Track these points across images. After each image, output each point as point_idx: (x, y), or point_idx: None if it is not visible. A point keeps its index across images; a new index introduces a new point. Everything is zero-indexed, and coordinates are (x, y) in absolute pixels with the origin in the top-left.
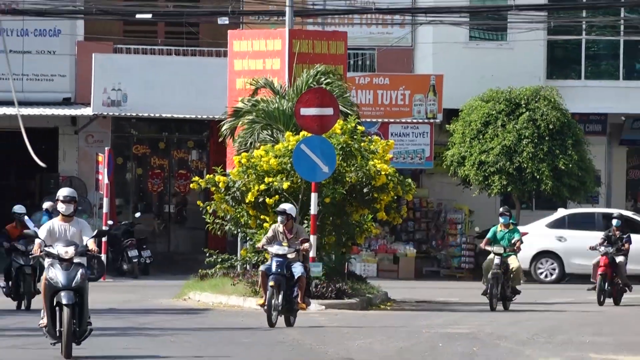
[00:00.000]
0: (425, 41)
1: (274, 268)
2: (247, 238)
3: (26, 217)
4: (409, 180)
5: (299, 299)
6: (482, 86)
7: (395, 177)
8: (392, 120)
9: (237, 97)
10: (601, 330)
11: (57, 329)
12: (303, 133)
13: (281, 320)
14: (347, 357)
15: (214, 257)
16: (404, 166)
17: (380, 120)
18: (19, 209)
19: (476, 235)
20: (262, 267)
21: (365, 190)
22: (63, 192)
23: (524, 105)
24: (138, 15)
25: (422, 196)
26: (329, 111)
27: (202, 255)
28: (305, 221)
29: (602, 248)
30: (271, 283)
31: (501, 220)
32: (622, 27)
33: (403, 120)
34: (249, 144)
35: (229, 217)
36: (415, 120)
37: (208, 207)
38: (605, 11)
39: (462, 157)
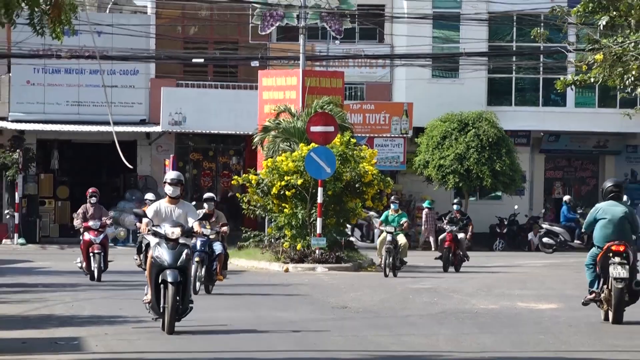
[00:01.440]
0: (400, 78)
1: (198, 246)
2: (272, 220)
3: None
4: (388, 178)
5: (217, 271)
6: (441, 111)
7: (378, 176)
8: (376, 135)
9: (265, 119)
10: (525, 286)
11: (161, 306)
12: (312, 144)
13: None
14: (343, 305)
15: (248, 233)
16: (385, 168)
17: (367, 135)
18: (150, 196)
19: (437, 218)
20: None
21: (357, 185)
22: (170, 175)
23: (471, 125)
24: (194, 60)
25: (398, 190)
26: (331, 129)
27: (240, 232)
28: (314, 207)
29: (447, 227)
30: (196, 259)
31: (392, 206)
32: (541, 69)
33: (384, 135)
34: (273, 152)
35: (259, 204)
36: (392, 135)
37: (244, 198)
38: (529, 57)
39: (426, 162)
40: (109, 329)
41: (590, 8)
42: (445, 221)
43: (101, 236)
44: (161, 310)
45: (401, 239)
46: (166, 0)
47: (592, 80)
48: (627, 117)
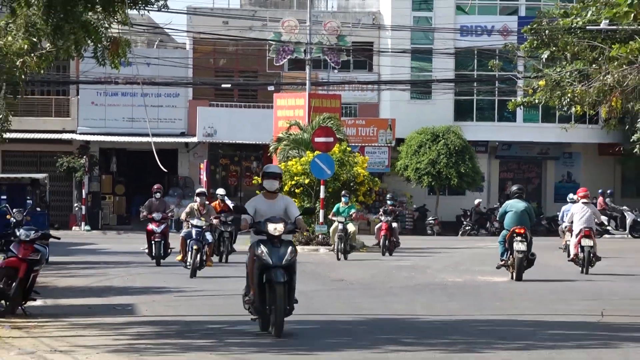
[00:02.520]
0: (385, 99)
1: (194, 235)
2: None
3: (226, 197)
4: (376, 178)
5: (207, 258)
6: (418, 125)
7: (368, 177)
8: (366, 144)
9: (279, 131)
10: (484, 263)
11: (267, 307)
12: (316, 152)
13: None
14: (340, 278)
15: None
16: (373, 170)
17: (359, 144)
18: (221, 191)
19: (414, 209)
20: (182, 234)
21: (351, 184)
22: (268, 168)
23: (441, 136)
24: (223, 85)
25: (384, 188)
26: (331, 139)
27: None
28: (317, 202)
29: (383, 217)
30: (195, 247)
31: (343, 199)
32: (496, 92)
33: (372, 145)
34: (285, 157)
35: None
36: (379, 145)
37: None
38: (487, 83)
39: (406, 165)
40: (156, 297)
41: (535, 44)
42: (380, 213)
43: (162, 226)
44: (268, 312)
45: (350, 227)
46: (201, 38)
47: (536, 101)
48: (564, 130)
